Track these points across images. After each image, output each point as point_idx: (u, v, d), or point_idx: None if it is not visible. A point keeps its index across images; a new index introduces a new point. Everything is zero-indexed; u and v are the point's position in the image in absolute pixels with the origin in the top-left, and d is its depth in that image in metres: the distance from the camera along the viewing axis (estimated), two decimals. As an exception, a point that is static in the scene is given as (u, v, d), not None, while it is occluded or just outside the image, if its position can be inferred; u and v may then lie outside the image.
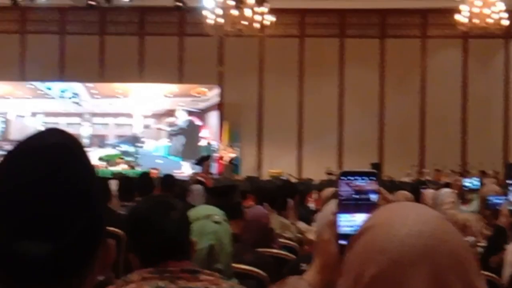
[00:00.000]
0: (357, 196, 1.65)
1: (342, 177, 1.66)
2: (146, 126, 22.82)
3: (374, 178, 1.67)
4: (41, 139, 1.21)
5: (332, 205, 1.71)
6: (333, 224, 1.65)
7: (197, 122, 22.70)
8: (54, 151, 1.18)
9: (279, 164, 21.81)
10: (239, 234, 4.08)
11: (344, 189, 1.65)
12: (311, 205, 9.35)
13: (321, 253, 1.69)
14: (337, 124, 22.97)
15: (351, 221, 1.64)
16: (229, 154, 20.96)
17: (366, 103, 22.54)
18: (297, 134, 23.04)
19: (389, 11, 22.66)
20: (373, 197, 1.65)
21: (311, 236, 5.62)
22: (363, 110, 22.53)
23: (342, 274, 1.20)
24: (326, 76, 22.68)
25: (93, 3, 20.35)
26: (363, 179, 1.66)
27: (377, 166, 21.09)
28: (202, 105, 22.72)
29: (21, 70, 23.09)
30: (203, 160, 12.82)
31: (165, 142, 22.69)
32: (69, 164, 1.19)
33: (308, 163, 22.51)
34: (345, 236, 1.62)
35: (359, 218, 1.62)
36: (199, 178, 11.48)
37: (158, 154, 22.62)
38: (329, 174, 20.33)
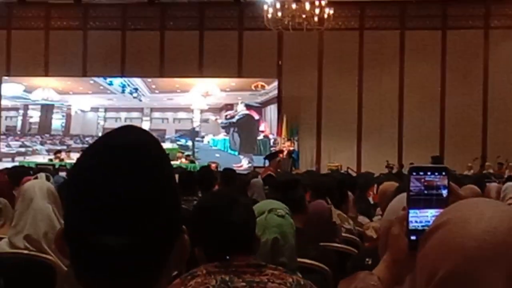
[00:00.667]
0: (427, 192, 1.64)
1: (413, 173, 1.65)
2: (205, 120, 22.97)
3: (445, 174, 1.65)
4: (120, 136, 1.23)
5: (401, 200, 1.70)
6: (404, 219, 1.64)
7: (256, 116, 22.75)
8: (133, 148, 1.21)
9: (338, 158, 21.75)
10: (302, 228, 4.08)
11: (414, 185, 1.65)
12: (371, 198, 9.27)
13: (391, 248, 1.69)
14: (397, 117, 22.73)
15: (421, 217, 1.63)
16: (288, 148, 20.94)
17: (426, 95, 22.25)
18: (356, 127, 22.89)
19: (451, 1, 22.32)
20: (444, 192, 1.64)
21: (370, 232, 5.59)
22: (424, 103, 22.24)
23: (415, 269, 1.19)
24: (386, 68, 22.47)
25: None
26: (433, 175, 1.65)
27: (438, 159, 20.81)
28: (260, 99, 22.76)
29: (83, 66, 23.47)
30: (274, 156, 12.84)
31: (223, 136, 22.80)
32: (148, 160, 1.21)
33: (367, 157, 22.36)
34: (415, 232, 1.62)
35: (429, 214, 1.61)
36: (270, 172, 11.47)
37: (217, 148, 22.76)
38: (389, 167, 20.18)
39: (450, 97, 22.34)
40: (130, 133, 1.24)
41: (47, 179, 4.56)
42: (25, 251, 4.00)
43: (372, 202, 8.91)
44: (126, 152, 1.20)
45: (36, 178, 7.63)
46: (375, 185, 10.23)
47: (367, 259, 3.32)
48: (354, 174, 18.54)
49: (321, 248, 4.38)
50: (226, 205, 2.59)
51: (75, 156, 21.15)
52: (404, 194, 1.69)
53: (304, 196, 4.59)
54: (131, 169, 1.18)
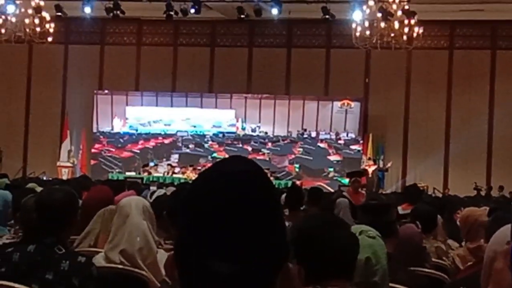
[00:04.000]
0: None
1: None
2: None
3: None
4: (232, 165, 1.28)
5: (506, 231, 1.69)
6: (508, 253, 1.63)
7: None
8: (244, 176, 1.25)
9: (424, 177, 21.41)
10: (392, 253, 4.06)
11: None
12: (458, 222, 9.08)
13: (494, 283, 1.68)
14: (486, 137, 22.25)
15: None
16: (373, 168, 20.75)
17: (517, 116, 21.71)
18: (444, 147, 22.51)
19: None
20: None
21: (455, 261, 5.47)
22: (514, 124, 21.71)
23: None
24: (476, 89, 22.05)
25: (243, 16, 20.81)
26: None
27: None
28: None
29: (172, 81, 23.88)
30: (356, 175, 12.66)
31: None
32: (258, 189, 1.26)
33: (454, 177, 21.95)
34: None
35: None
36: (320, 184, 11.44)
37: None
38: (477, 189, 19.77)
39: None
40: (240, 162, 1.29)
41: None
42: (120, 266, 4.11)
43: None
44: (238, 181, 1.25)
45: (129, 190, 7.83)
46: (462, 208, 10.04)
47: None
48: (440, 195, 18.27)
49: (412, 273, 4.34)
50: (331, 230, 2.62)
51: (162, 170, 21.57)
52: (509, 226, 1.67)
53: (395, 220, 4.56)
54: (243, 197, 1.23)
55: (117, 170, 22.15)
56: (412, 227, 4.94)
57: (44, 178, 16.91)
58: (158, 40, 24.10)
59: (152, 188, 10.73)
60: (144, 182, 16.30)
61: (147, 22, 23.95)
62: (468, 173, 21.20)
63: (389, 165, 21.41)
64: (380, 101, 22.43)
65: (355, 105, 22.60)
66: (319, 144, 22.82)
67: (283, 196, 8.11)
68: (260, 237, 1.22)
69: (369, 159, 21.17)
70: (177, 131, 23.39)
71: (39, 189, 6.39)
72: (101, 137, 23.64)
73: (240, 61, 23.49)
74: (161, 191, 8.67)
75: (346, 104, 22.61)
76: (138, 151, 23.47)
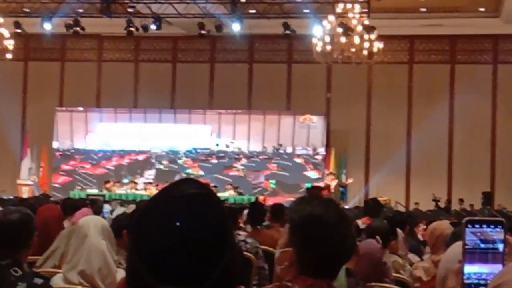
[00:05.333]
0: (484, 246, 1.64)
1: (468, 225, 1.66)
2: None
3: (501, 227, 1.66)
4: (180, 189, 1.28)
5: (458, 249, 1.70)
6: (459, 272, 1.65)
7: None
8: (193, 200, 1.25)
9: (386, 191, 21.56)
10: (352, 269, 4.06)
11: (470, 238, 1.65)
12: (420, 235, 9.16)
13: None
14: (447, 151, 22.52)
15: (477, 272, 1.63)
16: (334, 182, 20.80)
17: (477, 130, 22.02)
18: (406, 161, 22.73)
19: (502, 36, 22.14)
20: (500, 246, 1.64)
21: (419, 272, 5.52)
22: (474, 138, 22.01)
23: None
24: (436, 102, 22.31)
25: (204, 32, 20.80)
26: (489, 228, 1.65)
27: (488, 195, 20.54)
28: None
29: (134, 98, 23.80)
30: (316, 190, 12.75)
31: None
32: (206, 212, 1.25)
33: (416, 191, 22.15)
34: (470, 286, 1.62)
35: (485, 269, 1.61)
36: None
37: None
38: (435, 200, 19.96)
39: (501, 132, 22.08)
40: (190, 185, 1.28)
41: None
42: (79, 287, 4.07)
43: (421, 239, 8.80)
44: (188, 204, 1.24)
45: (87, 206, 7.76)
46: (424, 221, 10.12)
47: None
48: (403, 209, 18.40)
49: (371, 288, 4.35)
50: (340, 223, 2.46)
51: (124, 186, 21.44)
52: (460, 243, 1.69)
53: (355, 236, 4.57)
54: (193, 221, 1.22)
55: (92, 187, 21.99)
56: (372, 242, 4.96)
57: (4, 197, 16.66)
58: (119, 56, 24.02)
59: (110, 206, 10.64)
60: (105, 199, 16.14)
61: (107, 38, 23.87)
62: (429, 186, 21.40)
63: (349, 181, 21.53)
64: (342, 115, 22.59)
65: (317, 120, 22.71)
66: (295, 159, 22.85)
67: (245, 212, 8.11)
68: (213, 260, 1.21)
69: (331, 173, 21.24)
70: (151, 148, 23.32)
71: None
72: (76, 154, 23.61)
73: (201, 77, 23.50)
74: (121, 209, 8.62)
75: (308, 119, 22.71)
76: (113, 168, 23.32)
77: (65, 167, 23.48)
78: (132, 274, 1.24)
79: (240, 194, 20.17)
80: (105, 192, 20.15)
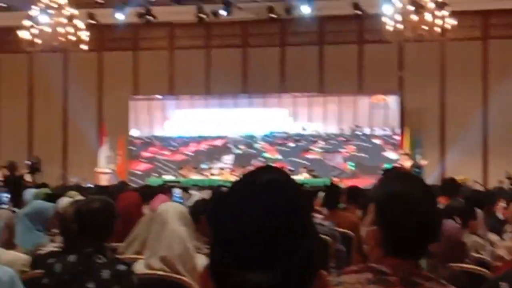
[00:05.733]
0: None
1: None
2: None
3: None
4: (259, 176, 1.30)
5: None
6: None
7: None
8: (272, 187, 1.27)
9: (463, 171, 21.17)
10: (431, 250, 4.03)
11: None
12: (499, 214, 8.98)
13: None
14: (526, 127, 21.98)
15: None
16: (409, 163, 20.55)
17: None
18: (482, 139, 22.28)
19: None
20: None
21: (501, 252, 5.44)
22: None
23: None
24: (512, 78, 21.77)
25: (274, 15, 20.81)
26: None
27: None
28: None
29: (205, 84, 23.99)
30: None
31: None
32: (286, 198, 1.27)
33: (494, 169, 21.69)
34: None
35: None
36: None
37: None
38: (509, 178, 19.55)
39: None
40: (269, 172, 1.31)
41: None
42: (161, 272, 4.15)
43: (501, 218, 8.64)
44: (267, 191, 1.26)
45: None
46: (503, 200, 9.92)
47: (502, 284, 3.25)
48: (481, 188, 18.07)
49: (452, 269, 4.32)
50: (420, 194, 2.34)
51: (199, 172, 21.70)
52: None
53: (441, 214, 4.52)
54: (273, 207, 1.24)
55: (172, 173, 22.31)
56: (452, 222, 4.91)
57: (84, 185, 17.06)
58: (190, 43, 24.21)
59: (192, 192, 10.80)
60: (182, 185, 16.37)
61: (179, 26, 24.08)
62: (509, 164, 20.93)
63: (424, 162, 21.22)
64: (416, 94, 22.25)
65: (390, 100, 22.48)
66: (373, 140, 22.65)
67: (321, 195, 8.11)
68: (293, 246, 1.23)
69: (405, 154, 20.99)
70: (228, 133, 23.53)
71: (79, 197, 6.47)
72: (155, 141, 23.96)
73: (272, 60, 23.50)
74: (199, 195, 8.74)
75: (380, 99, 22.50)
76: (192, 154, 23.66)
77: (145, 154, 23.94)
78: (214, 260, 1.27)
79: (314, 177, 20.14)
80: (180, 178, 20.44)
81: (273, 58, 23.55)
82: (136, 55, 24.51)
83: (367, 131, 22.69)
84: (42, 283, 3.69)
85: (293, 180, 1.33)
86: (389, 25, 18.27)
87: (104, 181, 20.75)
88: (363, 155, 22.50)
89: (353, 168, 22.32)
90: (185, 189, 11.95)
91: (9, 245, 5.01)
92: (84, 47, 19.28)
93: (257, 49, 23.76)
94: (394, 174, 2.54)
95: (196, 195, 9.10)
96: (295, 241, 1.24)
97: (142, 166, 23.75)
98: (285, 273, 1.22)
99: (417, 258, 2.32)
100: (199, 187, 15.15)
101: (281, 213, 1.25)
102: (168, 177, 21.15)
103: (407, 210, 2.29)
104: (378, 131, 22.60)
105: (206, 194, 8.51)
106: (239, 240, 1.23)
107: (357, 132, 22.78)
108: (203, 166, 22.43)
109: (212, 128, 23.59)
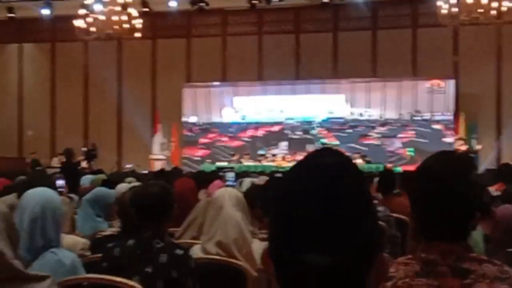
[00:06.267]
0: None
1: None
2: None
3: None
4: (320, 158, 1.30)
5: None
6: None
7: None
8: (333, 169, 1.27)
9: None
10: (490, 235, 4.00)
11: None
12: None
13: None
14: None
15: None
16: (464, 148, 20.26)
17: None
18: (540, 123, 21.89)
19: None
20: None
21: None
22: None
23: None
24: None
25: (326, 1, 20.69)
26: None
27: None
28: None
29: (258, 71, 24.01)
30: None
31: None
32: (347, 180, 1.27)
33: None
34: None
35: None
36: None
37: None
38: None
39: None
40: (329, 154, 1.31)
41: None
42: (217, 257, 4.19)
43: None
44: (328, 173, 1.26)
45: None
46: None
47: None
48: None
49: (510, 254, 4.26)
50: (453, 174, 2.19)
51: (252, 158, 21.78)
52: None
53: (489, 201, 4.48)
54: (334, 189, 1.25)
55: (228, 159, 22.45)
56: (510, 207, 4.84)
57: (140, 172, 17.25)
58: (243, 29, 24.24)
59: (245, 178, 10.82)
60: (236, 171, 16.44)
61: (231, 13, 24.13)
62: None
63: (479, 147, 20.89)
64: (471, 79, 21.92)
65: (444, 85, 22.19)
66: (433, 125, 22.38)
67: (376, 180, 8.07)
68: (353, 228, 1.23)
69: (460, 139, 20.70)
70: (285, 119, 23.55)
71: (136, 183, 6.56)
72: (213, 127, 24.16)
73: (325, 46, 23.38)
74: (249, 181, 8.76)
75: (435, 84, 22.22)
76: (249, 139, 23.79)
77: (203, 140, 24.16)
78: (274, 244, 1.28)
79: (368, 162, 20.03)
80: (234, 164, 20.53)
81: (326, 43, 23.43)
82: (189, 42, 24.64)
83: (426, 116, 22.40)
84: (101, 266, 3.76)
85: (354, 163, 1.33)
86: (444, 9, 18.01)
87: (158, 167, 20.93)
88: (422, 140, 22.23)
89: (412, 154, 22.09)
90: (237, 175, 12.02)
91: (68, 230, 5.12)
92: (137, 35, 19.44)
93: (309, 35, 23.67)
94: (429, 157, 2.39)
95: (247, 181, 9.13)
96: (356, 223, 1.24)
97: (200, 152, 24.00)
98: (345, 255, 1.22)
99: (462, 239, 2.17)
100: (252, 173, 15.19)
101: (342, 194, 1.25)
102: (221, 164, 21.26)
103: (434, 185, 2.16)
104: (439, 116, 22.30)
105: (260, 180, 8.53)
106: (299, 222, 1.24)
107: (416, 117, 22.51)
108: (260, 152, 22.53)
109: (269, 114, 23.63)
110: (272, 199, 1.32)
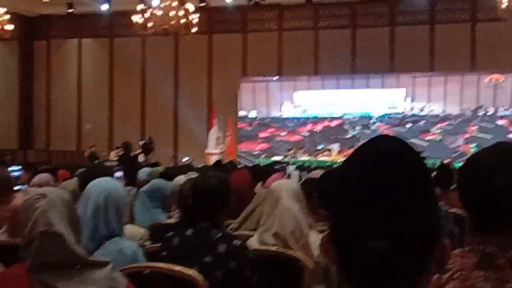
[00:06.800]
0: None
1: None
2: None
3: None
4: (380, 145, 1.31)
5: None
6: None
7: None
8: (394, 154, 1.28)
9: None
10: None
11: None
12: None
13: None
14: None
15: None
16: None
17: None
18: None
19: None
20: None
21: None
22: None
23: None
24: None
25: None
26: None
27: None
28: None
29: (314, 65, 23.94)
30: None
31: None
32: (409, 167, 1.28)
33: None
34: None
35: None
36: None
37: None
38: None
39: None
40: (389, 141, 1.31)
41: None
42: (274, 248, 4.21)
43: None
44: (390, 158, 1.27)
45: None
46: None
47: None
48: None
49: None
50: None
51: (307, 153, 21.77)
52: None
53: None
54: (394, 175, 1.25)
55: (285, 154, 22.49)
56: None
57: (196, 166, 17.33)
58: (298, 24, 24.20)
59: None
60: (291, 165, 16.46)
61: (287, 7, 24.11)
62: None
63: None
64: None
65: (504, 79, 21.79)
66: (497, 121, 22.00)
67: (433, 175, 8.00)
68: (415, 214, 1.24)
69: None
70: (344, 114, 23.48)
71: (195, 175, 6.61)
72: (272, 122, 24.32)
73: (381, 40, 23.19)
74: (297, 174, 8.77)
75: (496, 78, 21.83)
76: (308, 134, 23.81)
77: (263, 134, 24.25)
78: (336, 229, 1.29)
79: (424, 158, 19.82)
80: (289, 159, 20.55)
81: (382, 38, 23.23)
82: (245, 37, 24.70)
83: (490, 111, 22.01)
84: (161, 255, 3.82)
85: (412, 148, 1.33)
86: (504, 3, 17.71)
87: (213, 162, 21.03)
88: (485, 136, 21.81)
89: (475, 150, 21.61)
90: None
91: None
92: (194, 30, 19.57)
93: (366, 29, 23.51)
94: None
95: (296, 175, 9.15)
96: (419, 208, 1.25)
97: (259, 146, 24.11)
98: (408, 241, 1.23)
99: None
100: (306, 167, 15.18)
101: (404, 180, 1.25)
102: (277, 158, 21.28)
103: (479, 176, 2.04)
104: (503, 112, 21.89)
105: (316, 173, 8.52)
106: (363, 208, 1.25)
107: (479, 113, 22.14)
108: (318, 147, 22.48)
109: (328, 109, 23.56)
110: (333, 184, 1.33)
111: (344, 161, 1.35)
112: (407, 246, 1.23)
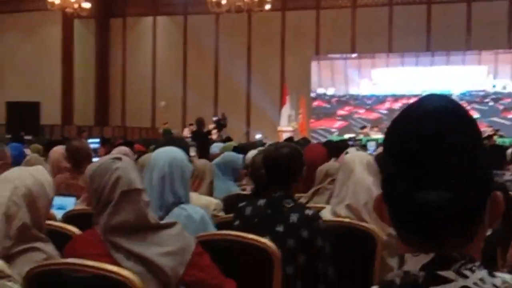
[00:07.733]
0: None
1: None
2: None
3: None
4: (432, 101, 1.32)
5: None
6: None
7: None
8: (446, 110, 1.30)
9: None
10: None
11: None
12: None
13: None
14: None
15: None
16: None
17: None
18: None
19: None
20: None
21: None
22: None
23: None
24: None
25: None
26: None
27: None
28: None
29: (388, 42, 23.68)
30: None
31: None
32: (460, 123, 1.29)
33: None
34: None
35: None
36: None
37: None
38: None
39: None
40: (440, 98, 1.33)
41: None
42: (347, 220, 4.20)
43: None
44: (443, 113, 1.29)
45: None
46: None
47: None
48: None
49: None
50: None
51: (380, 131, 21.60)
52: None
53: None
54: (447, 131, 1.26)
55: (362, 131, 22.41)
56: None
57: (267, 143, 17.43)
58: (372, 1, 23.93)
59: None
60: (362, 143, 16.39)
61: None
62: None
63: None
64: None
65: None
66: None
67: (509, 152, 7.87)
68: (468, 165, 1.25)
69: None
70: (422, 91, 23.19)
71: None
72: (350, 100, 24.37)
73: (458, 17, 22.75)
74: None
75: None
76: (386, 112, 23.67)
77: (340, 112, 24.27)
78: (389, 185, 1.29)
79: (501, 136, 19.41)
80: (361, 136, 20.43)
81: (459, 14, 22.78)
82: (318, 14, 24.56)
83: None
84: (233, 225, 3.85)
85: (462, 106, 1.35)
86: None
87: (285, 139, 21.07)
88: None
89: None
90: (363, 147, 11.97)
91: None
92: (267, 7, 19.57)
93: (441, 5, 23.08)
94: None
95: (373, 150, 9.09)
96: (472, 160, 1.25)
97: (338, 124, 24.07)
98: (464, 191, 1.23)
99: None
100: (379, 144, 15.09)
101: (456, 132, 1.27)
102: (348, 135, 21.19)
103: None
104: None
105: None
106: (417, 161, 1.25)
107: None
108: None
109: (407, 86, 23.30)
110: (386, 138, 1.34)
111: (398, 116, 1.35)
112: (464, 196, 1.23)
